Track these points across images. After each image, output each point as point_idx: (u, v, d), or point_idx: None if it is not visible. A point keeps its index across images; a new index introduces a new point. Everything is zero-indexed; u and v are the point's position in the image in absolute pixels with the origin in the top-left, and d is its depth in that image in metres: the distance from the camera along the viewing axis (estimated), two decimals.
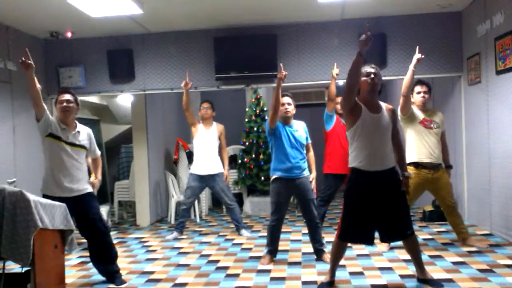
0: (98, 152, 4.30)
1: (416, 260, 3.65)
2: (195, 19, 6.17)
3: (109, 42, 6.65)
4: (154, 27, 6.43)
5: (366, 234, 3.54)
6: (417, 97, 4.84)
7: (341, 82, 7.11)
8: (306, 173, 4.48)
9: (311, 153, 4.68)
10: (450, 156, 5.22)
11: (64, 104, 3.98)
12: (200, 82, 6.64)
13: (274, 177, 4.46)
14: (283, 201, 4.47)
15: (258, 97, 7.31)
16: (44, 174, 4.05)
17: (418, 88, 4.85)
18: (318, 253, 4.56)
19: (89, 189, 4.08)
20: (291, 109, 4.46)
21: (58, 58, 6.74)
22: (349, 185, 3.52)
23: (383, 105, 3.54)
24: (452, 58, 6.14)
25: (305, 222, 4.60)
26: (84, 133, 4.10)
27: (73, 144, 3.98)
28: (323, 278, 3.80)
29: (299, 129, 4.52)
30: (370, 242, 3.58)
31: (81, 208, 3.95)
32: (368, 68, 3.48)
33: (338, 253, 3.68)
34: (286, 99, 4.44)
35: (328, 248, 4.45)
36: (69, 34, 6.38)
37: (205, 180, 5.94)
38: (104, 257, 4.05)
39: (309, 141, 4.65)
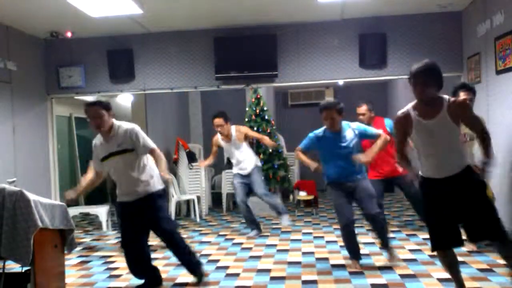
0: (149, 146, 3.80)
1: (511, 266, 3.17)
2: (195, 19, 6.17)
3: (109, 42, 6.65)
4: (154, 27, 6.43)
5: (452, 236, 3.18)
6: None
7: (341, 82, 7.13)
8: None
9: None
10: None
11: (93, 120, 3.71)
12: (200, 82, 6.64)
13: None
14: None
15: (258, 97, 7.30)
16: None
17: (462, 95, 4.52)
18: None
19: (151, 189, 3.81)
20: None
21: (58, 58, 6.75)
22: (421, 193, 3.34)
23: (445, 104, 3.05)
24: (452, 58, 6.14)
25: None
26: (120, 136, 3.74)
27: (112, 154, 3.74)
28: None
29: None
30: (459, 243, 3.21)
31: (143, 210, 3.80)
32: (410, 74, 3.14)
33: (444, 263, 3.33)
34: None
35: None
36: (69, 34, 6.39)
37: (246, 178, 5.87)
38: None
39: None
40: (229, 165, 7.32)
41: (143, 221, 3.84)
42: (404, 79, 7.28)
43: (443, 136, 3.06)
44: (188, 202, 7.69)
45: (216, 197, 8.72)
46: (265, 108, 7.35)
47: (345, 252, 4.76)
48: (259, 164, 5.99)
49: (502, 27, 4.92)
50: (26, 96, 6.31)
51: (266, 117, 7.31)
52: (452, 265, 3.27)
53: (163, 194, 3.94)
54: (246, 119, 7.35)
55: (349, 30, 6.31)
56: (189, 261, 4.02)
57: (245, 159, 5.83)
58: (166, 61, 6.65)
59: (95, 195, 7.19)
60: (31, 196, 3.21)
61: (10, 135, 5.90)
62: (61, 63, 6.73)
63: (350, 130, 4.30)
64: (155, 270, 4.02)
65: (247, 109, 7.52)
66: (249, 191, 5.94)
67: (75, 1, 5.03)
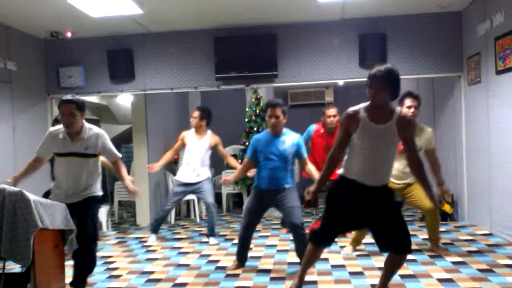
0: (117, 155, 3.96)
1: (387, 276, 3.33)
2: (195, 19, 6.17)
3: (109, 42, 6.65)
4: (154, 27, 6.43)
5: (333, 236, 3.35)
6: (405, 112, 4.22)
7: (341, 82, 7.13)
8: None
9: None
10: (448, 156, 5.18)
11: (67, 118, 3.70)
12: (200, 82, 6.64)
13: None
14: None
15: (258, 97, 7.30)
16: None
17: (408, 102, 4.38)
18: None
19: (93, 193, 3.85)
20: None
21: (58, 58, 6.74)
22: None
23: (396, 115, 3.07)
24: (452, 58, 6.14)
25: None
26: (89, 140, 3.78)
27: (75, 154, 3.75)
28: (292, 284, 3.57)
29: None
30: (330, 243, 3.39)
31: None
32: (368, 76, 3.12)
33: (312, 257, 3.46)
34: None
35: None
36: (69, 34, 6.39)
37: (190, 187, 5.76)
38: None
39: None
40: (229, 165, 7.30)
41: (75, 218, 3.74)
42: (404, 79, 7.28)
43: (384, 144, 3.08)
44: (188, 202, 7.69)
45: (216, 198, 8.69)
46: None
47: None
48: (210, 175, 5.88)
49: (502, 27, 4.92)
50: (26, 96, 6.31)
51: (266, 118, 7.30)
52: (315, 261, 3.56)
53: (100, 202, 3.99)
54: (246, 119, 7.35)
55: (349, 30, 6.31)
56: (82, 272, 3.83)
57: (200, 168, 5.71)
58: (166, 61, 6.65)
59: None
60: (31, 196, 3.20)
61: (10, 135, 5.89)
62: (61, 63, 6.73)
63: (290, 137, 4.26)
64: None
65: (247, 109, 7.51)
66: (181, 200, 6.00)
67: (75, 1, 5.03)
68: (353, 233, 4.79)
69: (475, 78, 5.67)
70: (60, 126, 3.85)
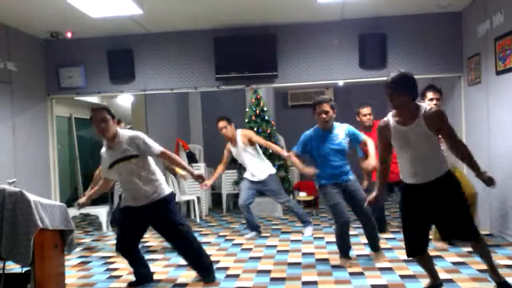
0: (159, 149, 3.83)
1: (488, 264, 3.36)
2: (195, 19, 6.17)
3: (109, 42, 6.65)
4: (154, 27, 6.43)
5: (425, 241, 3.35)
6: (428, 104, 4.53)
7: (341, 82, 7.13)
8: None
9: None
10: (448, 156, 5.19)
11: (99, 124, 3.70)
12: (200, 82, 6.64)
13: None
14: None
15: (258, 97, 7.30)
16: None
17: (430, 95, 4.46)
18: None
19: (159, 196, 3.84)
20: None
21: (58, 58, 6.75)
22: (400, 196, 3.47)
23: (421, 112, 3.13)
24: (452, 58, 6.14)
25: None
26: (124, 142, 3.75)
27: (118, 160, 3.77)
28: (428, 283, 3.57)
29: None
30: (428, 245, 3.41)
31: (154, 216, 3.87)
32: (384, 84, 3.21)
33: (421, 264, 3.50)
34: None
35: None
36: (69, 34, 6.39)
37: (256, 185, 5.77)
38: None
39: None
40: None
41: (155, 226, 3.96)
42: None
43: (418, 142, 3.14)
44: (188, 202, 7.69)
45: (216, 198, 8.72)
46: (265, 109, 7.34)
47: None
48: (273, 171, 5.83)
49: (502, 28, 4.92)
50: (26, 96, 6.31)
51: (266, 118, 7.30)
52: (429, 264, 3.47)
53: (172, 198, 3.97)
54: (246, 120, 7.35)
55: (349, 30, 6.32)
56: (199, 265, 4.07)
57: (255, 165, 5.71)
58: (166, 62, 6.65)
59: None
60: (31, 197, 3.21)
61: (10, 135, 5.89)
62: (61, 63, 6.73)
63: (341, 129, 4.35)
64: (148, 267, 4.15)
65: (247, 109, 7.51)
66: (255, 195, 5.88)
67: (75, 1, 5.03)
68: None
69: (475, 78, 5.67)
70: (104, 144, 3.89)
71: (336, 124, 4.37)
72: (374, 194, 3.46)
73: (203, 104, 10.26)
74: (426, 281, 3.79)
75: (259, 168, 5.72)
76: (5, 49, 5.90)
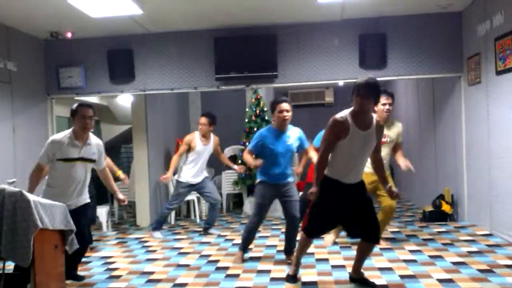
0: (104, 163, 4.27)
1: (360, 262, 3.75)
2: (195, 19, 6.17)
3: (109, 42, 6.64)
4: (154, 27, 6.43)
5: (327, 229, 3.86)
6: (381, 109, 4.59)
7: (341, 82, 7.13)
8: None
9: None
10: (448, 156, 5.27)
11: (88, 121, 3.93)
12: (200, 82, 6.64)
13: None
14: None
15: (258, 97, 7.30)
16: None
17: (383, 99, 4.51)
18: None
19: (87, 199, 4.17)
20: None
21: (58, 58, 6.74)
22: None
23: (374, 120, 3.45)
24: (452, 58, 6.14)
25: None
26: (93, 146, 4.07)
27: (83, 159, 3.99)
28: (289, 271, 3.91)
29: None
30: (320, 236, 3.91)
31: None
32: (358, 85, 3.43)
33: (306, 248, 3.85)
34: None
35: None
36: (69, 34, 6.39)
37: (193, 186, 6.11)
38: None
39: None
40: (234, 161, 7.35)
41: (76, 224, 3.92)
42: (404, 80, 7.30)
43: (368, 148, 3.45)
44: (188, 202, 7.68)
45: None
46: (265, 109, 7.35)
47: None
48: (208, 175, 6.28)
49: (502, 28, 4.92)
50: (26, 96, 6.30)
51: (266, 118, 7.31)
52: (307, 250, 3.87)
53: (91, 206, 4.40)
54: (246, 120, 7.36)
55: (349, 30, 6.31)
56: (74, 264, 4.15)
57: (204, 169, 6.13)
58: (166, 62, 6.65)
59: (97, 196, 7.17)
60: (31, 197, 3.21)
61: (10, 135, 5.89)
62: (61, 63, 6.73)
63: (293, 132, 4.46)
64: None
65: (247, 109, 7.52)
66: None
67: (75, 1, 5.03)
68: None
69: (475, 78, 5.67)
70: (63, 133, 3.99)
71: (289, 126, 4.46)
72: (314, 189, 3.48)
73: (203, 104, 10.26)
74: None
75: (204, 171, 6.15)
76: (5, 49, 5.90)
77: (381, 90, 4.43)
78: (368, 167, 3.96)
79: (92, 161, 4.04)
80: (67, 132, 3.99)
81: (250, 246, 4.91)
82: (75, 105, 4.04)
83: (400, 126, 4.97)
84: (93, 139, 4.07)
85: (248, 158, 4.47)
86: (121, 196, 4.31)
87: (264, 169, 4.42)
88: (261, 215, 4.55)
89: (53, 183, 3.97)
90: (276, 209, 7.32)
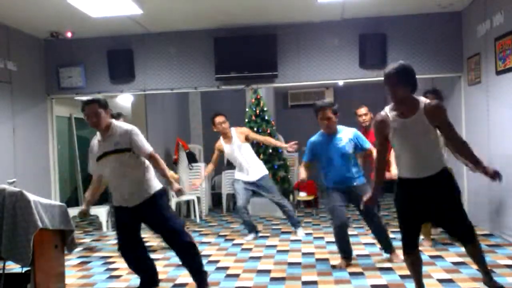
0: (147, 150, 3.65)
1: (479, 265, 3.37)
2: (195, 19, 6.17)
3: (109, 42, 6.64)
4: (154, 27, 6.43)
5: (415, 232, 3.32)
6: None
7: (341, 82, 7.13)
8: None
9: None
10: (449, 156, 5.20)
11: (93, 119, 3.58)
12: (200, 82, 6.63)
13: None
14: None
15: (258, 97, 7.30)
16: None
17: (431, 98, 4.38)
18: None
19: (151, 191, 3.69)
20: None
21: (58, 58, 6.74)
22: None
23: (422, 105, 3.07)
24: (452, 58, 6.14)
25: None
26: (118, 135, 3.61)
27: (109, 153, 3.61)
28: None
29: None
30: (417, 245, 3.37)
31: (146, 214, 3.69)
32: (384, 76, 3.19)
33: (411, 264, 3.40)
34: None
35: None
36: (69, 34, 6.38)
37: (251, 185, 5.72)
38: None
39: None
40: (229, 165, 7.30)
41: (147, 223, 3.79)
42: None
43: (418, 136, 3.08)
44: (188, 202, 7.69)
45: (216, 198, 8.72)
46: (265, 109, 7.35)
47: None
48: (267, 172, 5.80)
49: (502, 27, 4.92)
50: (26, 96, 6.30)
51: (266, 118, 7.31)
52: (419, 268, 3.36)
53: (164, 194, 3.83)
54: (246, 120, 7.35)
55: (349, 30, 6.31)
56: (193, 265, 3.78)
57: (250, 165, 5.67)
58: (166, 61, 6.65)
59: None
60: (31, 197, 3.21)
61: (10, 135, 5.89)
62: (61, 63, 6.73)
63: (346, 133, 4.31)
64: (154, 269, 3.94)
65: (247, 109, 7.51)
66: (251, 196, 5.87)
67: (75, 1, 5.03)
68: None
69: (475, 78, 5.67)
70: (96, 136, 3.74)
71: (341, 127, 4.35)
72: (369, 194, 3.42)
73: (203, 104, 10.26)
74: (426, 281, 3.78)
75: (252, 168, 5.69)
76: (5, 49, 5.90)
77: (432, 90, 4.21)
78: None
79: (119, 151, 3.57)
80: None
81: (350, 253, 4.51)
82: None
83: None
84: (118, 128, 3.63)
85: (301, 172, 4.46)
86: (176, 185, 3.75)
87: (324, 175, 4.34)
88: (337, 217, 4.24)
89: (108, 185, 3.81)
90: (276, 209, 7.32)
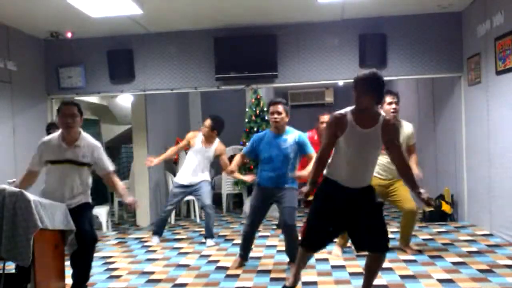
0: (109, 168, 3.86)
1: (369, 280, 3.36)
2: (195, 19, 6.17)
3: (109, 42, 6.64)
4: (154, 27, 6.43)
5: (325, 242, 3.39)
6: (387, 109, 4.41)
7: (341, 82, 7.13)
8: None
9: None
10: (448, 156, 5.18)
11: (69, 120, 3.65)
12: (200, 82, 6.63)
13: None
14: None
15: (258, 97, 7.30)
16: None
17: (389, 99, 4.42)
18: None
19: (82, 201, 3.80)
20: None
21: (58, 58, 6.74)
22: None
23: (381, 119, 3.07)
24: (452, 58, 6.14)
25: None
26: (85, 148, 3.73)
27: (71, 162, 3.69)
28: (286, 282, 3.67)
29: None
30: (323, 247, 3.48)
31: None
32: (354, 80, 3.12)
33: (304, 260, 3.52)
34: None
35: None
36: (69, 34, 6.38)
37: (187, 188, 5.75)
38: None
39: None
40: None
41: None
42: (404, 80, 7.29)
43: (369, 148, 3.11)
44: (188, 202, 7.68)
45: (216, 198, 8.70)
46: (265, 109, 7.35)
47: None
48: (209, 179, 5.85)
49: (502, 28, 4.92)
50: (26, 96, 6.31)
51: (266, 118, 7.30)
52: (306, 262, 3.55)
53: (91, 207, 3.93)
54: (246, 120, 7.35)
55: (349, 30, 6.31)
56: (82, 277, 3.77)
57: (200, 172, 5.71)
58: (166, 62, 6.65)
59: (95, 196, 7.18)
60: (31, 197, 3.21)
61: (10, 135, 5.89)
62: (61, 63, 6.73)
63: (292, 135, 4.26)
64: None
65: (247, 109, 7.52)
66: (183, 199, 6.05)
67: (75, 1, 5.03)
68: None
69: (475, 78, 5.67)
70: (52, 135, 3.81)
71: (290, 129, 4.31)
72: (305, 188, 3.26)
73: (203, 104, 10.26)
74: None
75: (201, 176, 5.71)
76: (5, 49, 5.90)
77: (387, 90, 4.11)
78: (375, 171, 3.70)
79: (84, 164, 3.72)
80: (58, 133, 3.80)
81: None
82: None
83: (411, 127, 4.68)
84: (86, 140, 3.76)
85: (236, 161, 4.51)
86: (130, 198, 3.91)
87: (260, 171, 4.36)
88: (253, 218, 4.37)
89: (46, 186, 3.81)
90: (276, 209, 7.33)
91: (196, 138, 5.78)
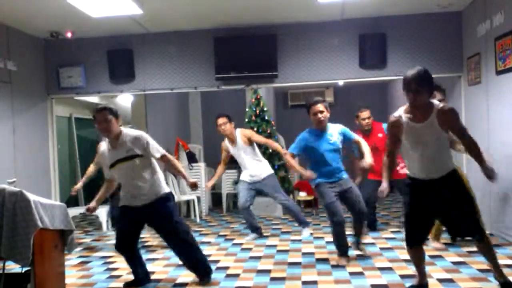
0: (160, 152, 3.84)
1: (492, 262, 3.39)
2: (195, 19, 6.17)
3: (109, 42, 6.64)
4: (154, 27, 6.43)
5: (424, 234, 3.49)
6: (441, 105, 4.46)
7: (341, 82, 7.13)
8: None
9: None
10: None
11: (103, 125, 3.70)
12: (200, 82, 6.63)
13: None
14: None
15: (258, 97, 7.30)
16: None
17: (438, 95, 4.41)
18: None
19: (159, 194, 3.86)
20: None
21: (58, 58, 6.74)
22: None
23: (435, 109, 3.15)
24: (452, 58, 6.14)
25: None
26: (128, 142, 3.75)
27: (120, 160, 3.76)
28: (414, 281, 3.60)
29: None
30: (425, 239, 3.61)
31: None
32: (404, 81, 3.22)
33: (415, 258, 3.53)
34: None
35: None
36: (69, 34, 6.38)
37: (255, 184, 5.69)
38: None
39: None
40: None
41: (152, 224, 3.98)
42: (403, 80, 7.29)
43: (430, 139, 3.20)
44: (188, 202, 7.69)
45: (216, 198, 8.72)
46: (265, 109, 7.35)
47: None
48: (272, 171, 5.80)
49: (502, 27, 4.92)
50: (26, 96, 6.31)
51: (266, 118, 7.31)
52: (421, 260, 3.51)
53: (170, 197, 3.96)
54: (246, 120, 7.35)
55: (349, 30, 6.31)
56: (197, 265, 4.02)
57: (254, 165, 5.65)
58: (166, 61, 6.65)
59: (95, 196, 7.17)
60: (31, 197, 3.21)
61: (10, 135, 5.89)
62: (61, 63, 6.73)
63: (334, 129, 4.45)
64: (145, 266, 4.14)
65: (247, 109, 7.52)
66: (255, 196, 5.81)
67: (75, 1, 5.03)
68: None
69: (475, 78, 5.67)
70: (104, 143, 3.89)
71: (329, 124, 4.45)
72: (384, 185, 3.45)
73: (203, 104, 10.26)
74: None
75: (258, 168, 5.68)
76: (5, 49, 5.90)
77: (436, 86, 4.06)
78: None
79: (131, 158, 3.73)
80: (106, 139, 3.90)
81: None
82: None
83: None
84: (128, 135, 3.77)
85: (293, 163, 4.47)
86: (191, 180, 3.95)
87: (317, 171, 4.37)
88: (338, 214, 4.28)
89: (120, 190, 3.98)
90: (276, 209, 7.33)
91: (226, 144, 5.71)
